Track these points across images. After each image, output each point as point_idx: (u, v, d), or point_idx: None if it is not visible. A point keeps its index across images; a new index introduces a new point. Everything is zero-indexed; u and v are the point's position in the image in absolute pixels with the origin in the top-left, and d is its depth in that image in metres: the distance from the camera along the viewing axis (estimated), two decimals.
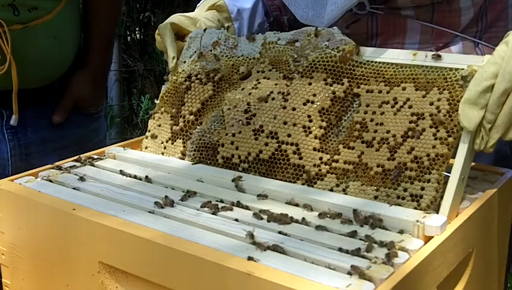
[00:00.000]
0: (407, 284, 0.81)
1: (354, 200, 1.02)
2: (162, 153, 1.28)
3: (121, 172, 1.19)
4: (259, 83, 1.21)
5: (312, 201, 1.02)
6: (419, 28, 1.32)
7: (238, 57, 1.26)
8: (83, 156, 1.27)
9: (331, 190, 1.09)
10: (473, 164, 1.18)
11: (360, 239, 0.91)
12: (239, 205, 1.03)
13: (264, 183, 1.10)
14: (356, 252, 0.86)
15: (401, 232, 0.93)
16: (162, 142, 1.29)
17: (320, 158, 1.11)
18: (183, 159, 1.24)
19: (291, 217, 0.97)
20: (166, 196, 1.05)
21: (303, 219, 0.97)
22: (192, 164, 1.21)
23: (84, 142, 1.71)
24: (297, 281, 0.79)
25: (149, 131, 1.32)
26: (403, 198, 1.02)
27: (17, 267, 1.12)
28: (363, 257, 0.85)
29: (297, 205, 1.03)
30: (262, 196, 1.06)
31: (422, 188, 1.01)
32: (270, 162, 1.15)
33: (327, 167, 1.10)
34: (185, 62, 1.32)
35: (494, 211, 1.08)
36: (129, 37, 4.40)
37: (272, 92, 1.18)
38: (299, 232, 0.93)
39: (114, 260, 0.97)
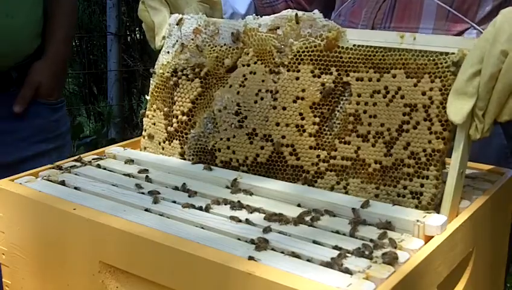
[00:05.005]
0: (407, 283, 0.81)
1: (355, 200, 1.02)
2: (161, 154, 1.28)
3: (121, 172, 1.19)
4: (246, 79, 1.18)
5: (312, 200, 1.02)
6: (435, 12, 1.31)
7: (221, 47, 1.21)
8: (83, 156, 1.27)
9: (332, 188, 1.09)
10: (473, 164, 1.18)
11: (360, 239, 0.91)
12: (239, 204, 1.03)
13: (264, 183, 1.10)
14: (356, 252, 0.86)
15: (401, 232, 0.93)
16: (160, 143, 1.28)
17: (318, 156, 1.11)
18: (183, 160, 1.24)
19: (292, 217, 0.97)
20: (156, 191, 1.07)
21: (303, 218, 0.97)
22: (192, 164, 1.21)
23: (45, 133, 1.71)
24: (298, 281, 0.79)
25: (145, 130, 1.31)
26: (404, 196, 1.02)
27: (17, 267, 1.12)
28: (364, 256, 0.86)
29: (298, 205, 1.03)
30: (250, 193, 1.07)
31: (422, 185, 1.01)
32: (268, 165, 1.15)
33: (325, 164, 1.10)
34: (168, 52, 1.27)
35: (494, 211, 1.08)
36: (129, 37, 4.41)
37: (260, 91, 1.16)
38: (300, 231, 0.93)
39: (114, 260, 0.97)
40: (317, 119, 1.11)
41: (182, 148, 1.24)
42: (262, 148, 1.15)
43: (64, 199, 1.06)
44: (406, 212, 0.97)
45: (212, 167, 1.18)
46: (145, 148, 1.32)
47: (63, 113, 1.83)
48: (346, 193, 1.08)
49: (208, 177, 1.15)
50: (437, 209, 1.00)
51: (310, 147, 1.12)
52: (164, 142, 1.27)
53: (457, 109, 0.96)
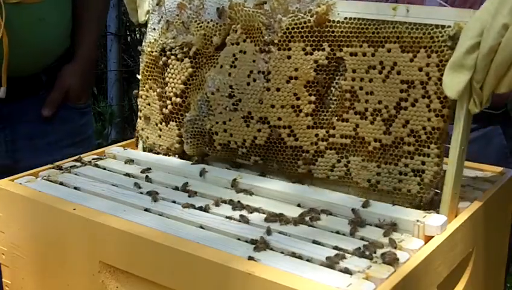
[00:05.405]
0: (407, 284, 0.81)
1: (355, 200, 1.02)
2: (159, 136, 1.27)
3: (121, 172, 1.19)
4: (236, 59, 1.15)
5: (312, 200, 1.02)
6: (437, 3, 1.30)
7: (208, 23, 1.17)
8: (83, 156, 1.27)
9: (333, 167, 1.08)
10: (473, 164, 1.18)
11: (361, 239, 0.91)
12: (239, 204, 1.03)
13: (264, 183, 1.10)
14: (357, 252, 0.86)
15: (401, 231, 0.93)
16: (156, 124, 1.27)
17: (316, 135, 1.10)
18: (181, 141, 1.23)
19: (292, 217, 0.97)
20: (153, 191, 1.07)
21: (303, 218, 0.97)
22: (192, 164, 1.21)
23: (73, 137, 1.71)
24: (298, 281, 0.79)
25: (140, 111, 1.30)
26: (406, 174, 1.02)
27: (17, 267, 1.12)
28: (364, 256, 0.86)
29: (298, 205, 1.03)
30: (250, 193, 1.07)
31: (423, 163, 1.00)
32: (266, 146, 1.13)
33: (325, 143, 1.09)
34: (154, 29, 1.25)
35: (494, 211, 1.08)
36: (129, 37, 4.41)
37: (251, 72, 1.13)
38: (299, 231, 0.93)
39: (114, 260, 0.97)
40: (312, 98, 1.09)
41: (179, 129, 1.23)
42: (259, 130, 1.13)
43: (64, 199, 1.06)
44: (405, 212, 0.97)
45: (211, 167, 1.18)
46: (142, 129, 1.31)
47: (89, 117, 1.83)
48: (348, 170, 1.07)
49: (208, 177, 1.15)
50: (440, 185, 0.99)
51: (308, 127, 1.10)
52: (161, 123, 1.26)
53: (454, 83, 0.93)
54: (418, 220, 0.93)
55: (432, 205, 1.01)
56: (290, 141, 1.11)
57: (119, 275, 0.98)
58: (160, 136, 1.27)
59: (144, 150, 1.33)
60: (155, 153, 1.29)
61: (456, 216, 0.99)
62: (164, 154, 1.28)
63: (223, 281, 0.84)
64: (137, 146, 1.34)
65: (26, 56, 1.57)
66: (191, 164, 1.21)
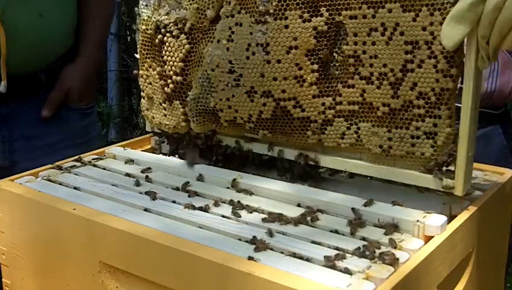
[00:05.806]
0: (407, 284, 0.81)
1: (354, 199, 1.02)
2: (165, 115, 1.25)
3: (121, 172, 1.19)
4: (233, 32, 1.12)
5: (312, 200, 1.02)
6: None
7: None
8: (83, 156, 1.27)
9: (343, 134, 1.07)
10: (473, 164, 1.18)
11: (361, 239, 0.91)
12: (239, 204, 1.03)
13: (264, 183, 1.10)
14: (356, 252, 0.86)
15: (401, 231, 0.93)
16: (160, 104, 1.26)
17: (323, 104, 1.08)
18: (187, 119, 1.22)
19: (292, 217, 0.97)
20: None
21: (303, 218, 0.97)
22: (190, 164, 1.21)
23: (74, 139, 1.67)
24: (297, 281, 0.79)
25: (143, 91, 1.29)
26: (418, 137, 1.00)
27: (17, 267, 1.12)
28: (364, 256, 0.86)
29: (298, 205, 1.03)
30: (250, 193, 1.07)
31: (435, 125, 0.99)
32: (274, 120, 1.12)
33: (332, 111, 1.08)
34: (147, 6, 1.22)
35: (494, 211, 1.08)
36: (129, 37, 4.40)
37: (250, 45, 1.11)
38: (299, 231, 0.93)
39: (114, 260, 0.97)
40: (315, 67, 1.07)
41: (183, 108, 1.22)
42: (264, 105, 1.12)
43: (63, 199, 1.06)
44: (405, 212, 0.97)
45: (211, 167, 1.18)
46: (147, 109, 1.30)
47: (93, 118, 1.79)
48: (359, 137, 1.06)
49: (208, 177, 1.15)
50: (453, 149, 0.98)
51: (314, 96, 1.08)
52: (164, 102, 1.25)
53: (453, 34, 0.91)
54: (418, 220, 0.93)
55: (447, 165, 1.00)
56: (296, 112, 1.10)
57: (119, 275, 0.98)
58: (165, 115, 1.25)
59: (152, 130, 1.32)
60: (163, 131, 1.28)
61: (469, 182, 0.98)
62: (171, 133, 1.27)
63: (223, 281, 0.84)
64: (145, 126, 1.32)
65: (25, 53, 1.54)
66: (189, 165, 1.21)
